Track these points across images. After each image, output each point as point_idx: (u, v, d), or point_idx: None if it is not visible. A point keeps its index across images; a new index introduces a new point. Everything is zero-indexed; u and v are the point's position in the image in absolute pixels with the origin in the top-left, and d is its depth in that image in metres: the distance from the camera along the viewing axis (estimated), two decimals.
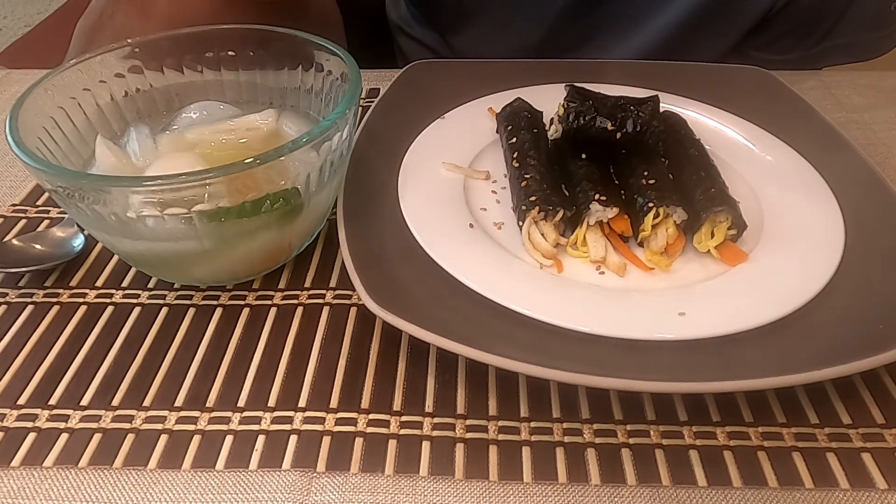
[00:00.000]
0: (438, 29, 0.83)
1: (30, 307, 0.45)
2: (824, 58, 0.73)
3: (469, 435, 0.37)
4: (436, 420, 0.38)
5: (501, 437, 0.37)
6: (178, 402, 0.39)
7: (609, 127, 0.48)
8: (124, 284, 0.46)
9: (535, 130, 0.52)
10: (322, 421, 0.38)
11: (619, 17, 0.74)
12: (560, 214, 0.46)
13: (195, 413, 0.38)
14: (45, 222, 0.52)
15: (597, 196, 0.45)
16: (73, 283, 0.46)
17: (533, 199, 0.46)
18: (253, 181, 0.39)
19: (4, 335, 0.43)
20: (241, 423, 0.38)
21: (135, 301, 0.45)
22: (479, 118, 0.57)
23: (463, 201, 0.49)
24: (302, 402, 0.39)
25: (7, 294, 0.46)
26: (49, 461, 0.36)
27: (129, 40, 0.49)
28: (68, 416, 0.38)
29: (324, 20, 0.75)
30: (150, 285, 0.46)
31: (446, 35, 0.82)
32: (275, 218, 0.42)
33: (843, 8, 0.71)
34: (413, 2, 0.84)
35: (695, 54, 0.68)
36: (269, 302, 0.45)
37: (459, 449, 0.36)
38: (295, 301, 0.45)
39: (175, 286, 0.46)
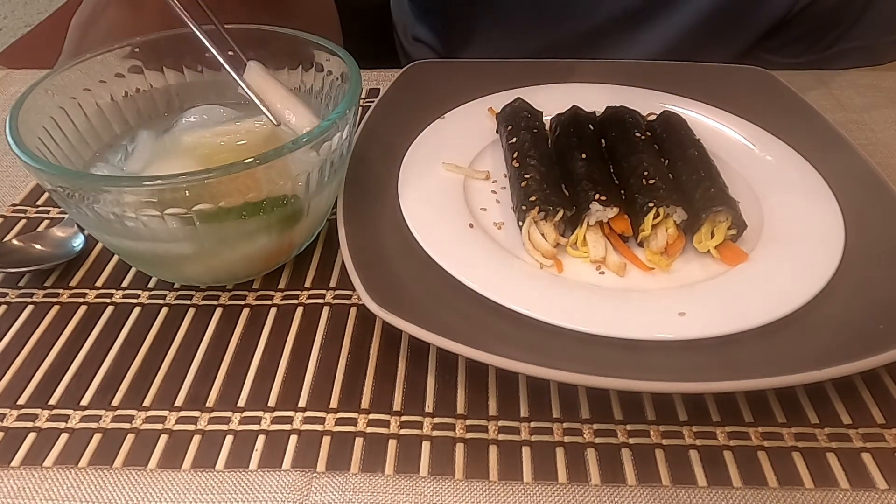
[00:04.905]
0: (441, 32, 0.83)
1: (30, 307, 0.45)
2: (836, 61, 0.72)
3: (469, 435, 0.37)
4: (436, 420, 0.38)
5: (501, 437, 0.37)
6: (178, 402, 0.39)
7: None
8: (124, 284, 0.46)
9: (535, 130, 0.52)
10: (322, 421, 0.38)
11: (625, 22, 0.73)
12: (560, 214, 0.46)
13: (195, 413, 0.38)
14: (45, 222, 0.52)
15: (597, 196, 0.45)
16: (73, 283, 0.46)
17: (533, 199, 0.46)
18: (253, 181, 0.39)
19: (4, 335, 0.43)
20: (241, 423, 0.38)
21: (135, 301, 0.45)
22: (479, 118, 0.57)
23: (463, 201, 0.49)
24: (302, 402, 0.39)
25: (7, 294, 0.46)
26: (49, 461, 0.36)
27: (128, 40, 0.49)
28: (68, 416, 0.38)
29: (320, 20, 0.75)
30: (150, 285, 0.46)
31: (449, 38, 0.82)
32: (275, 220, 0.42)
33: (859, 12, 0.70)
34: (416, 4, 0.84)
35: (704, 60, 0.67)
36: (269, 302, 0.45)
37: (459, 449, 0.36)
38: (295, 301, 0.45)
39: (175, 286, 0.46)
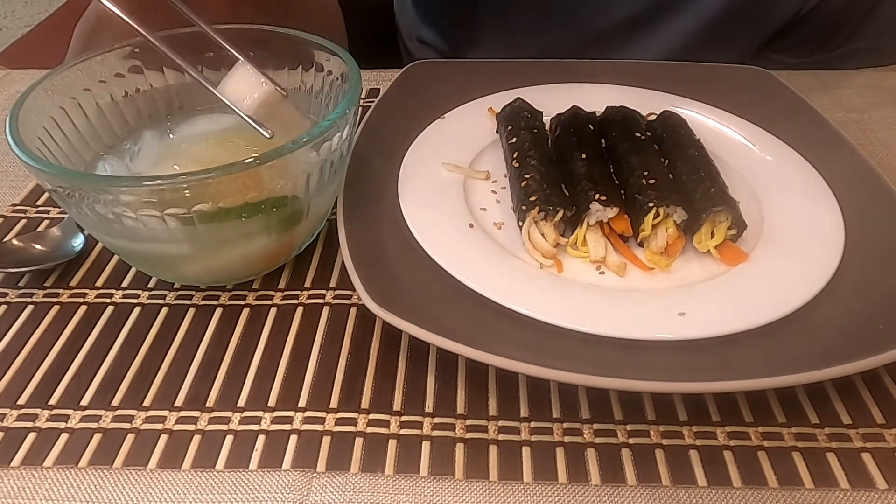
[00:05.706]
0: (447, 34, 0.83)
1: (30, 307, 0.45)
2: (845, 61, 0.72)
3: (469, 435, 0.37)
4: (436, 420, 0.38)
5: (501, 437, 0.37)
6: (178, 402, 0.39)
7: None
8: (124, 284, 0.46)
9: (535, 130, 0.52)
10: (322, 421, 0.38)
11: (631, 25, 0.73)
12: (560, 214, 0.46)
13: (195, 413, 0.38)
14: (45, 222, 0.52)
15: (597, 196, 0.45)
16: (73, 283, 0.46)
17: (533, 199, 0.46)
18: (253, 181, 0.39)
19: (4, 335, 0.43)
20: (241, 423, 0.38)
21: (135, 301, 0.45)
22: (479, 118, 0.57)
23: (463, 201, 0.49)
24: (302, 402, 0.39)
25: (7, 294, 0.46)
26: (49, 461, 0.36)
27: (129, 40, 0.49)
28: (68, 416, 0.38)
29: (324, 20, 0.75)
30: (150, 285, 0.46)
31: (455, 40, 0.82)
32: (275, 220, 0.42)
33: (867, 12, 0.70)
34: (421, 7, 0.84)
35: (710, 61, 0.65)
36: (269, 302, 0.45)
37: (459, 449, 0.36)
38: (295, 301, 0.45)
39: (175, 286, 0.46)
